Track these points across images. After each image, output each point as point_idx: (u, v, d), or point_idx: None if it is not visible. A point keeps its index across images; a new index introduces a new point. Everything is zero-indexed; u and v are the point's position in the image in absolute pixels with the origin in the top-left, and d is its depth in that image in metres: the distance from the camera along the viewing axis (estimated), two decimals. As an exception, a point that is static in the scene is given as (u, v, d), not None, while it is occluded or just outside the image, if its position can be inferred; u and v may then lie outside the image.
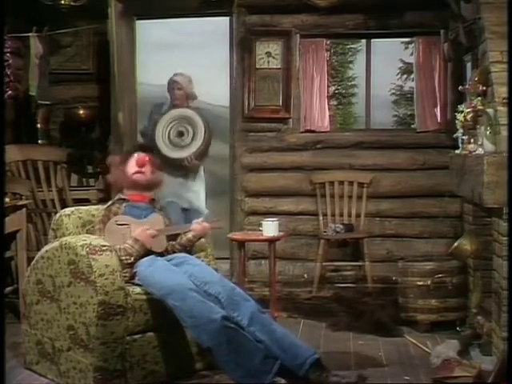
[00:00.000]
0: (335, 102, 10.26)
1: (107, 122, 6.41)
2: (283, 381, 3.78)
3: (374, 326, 5.02)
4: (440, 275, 5.07)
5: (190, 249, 4.38)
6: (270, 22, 6.34)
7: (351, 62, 10.44)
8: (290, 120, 6.35)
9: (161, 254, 4.22)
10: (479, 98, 4.43)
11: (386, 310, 5.25)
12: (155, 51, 8.62)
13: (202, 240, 4.49)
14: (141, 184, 4.36)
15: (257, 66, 6.35)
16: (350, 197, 6.21)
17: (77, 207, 4.55)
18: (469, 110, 4.49)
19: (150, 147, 4.75)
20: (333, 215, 6.21)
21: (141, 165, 4.37)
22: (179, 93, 5.73)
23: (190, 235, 4.35)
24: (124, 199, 4.35)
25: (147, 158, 4.41)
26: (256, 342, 3.74)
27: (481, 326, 4.50)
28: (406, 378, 4.06)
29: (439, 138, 6.14)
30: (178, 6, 6.29)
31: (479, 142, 4.33)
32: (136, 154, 4.43)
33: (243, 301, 3.89)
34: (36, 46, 6.04)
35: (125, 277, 3.98)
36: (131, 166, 4.39)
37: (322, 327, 5.15)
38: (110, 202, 4.38)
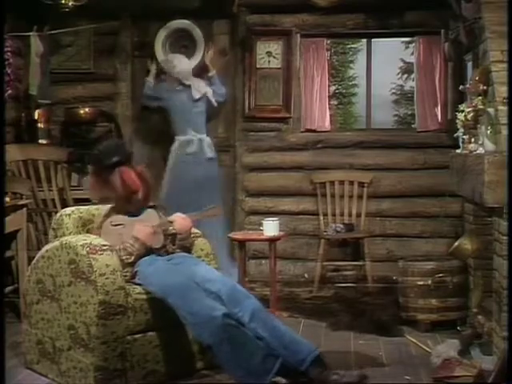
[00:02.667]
0: (336, 102, 10.26)
1: (108, 122, 6.43)
2: (284, 380, 3.78)
3: (375, 325, 5.02)
4: (440, 275, 5.06)
5: (188, 246, 4.36)
6: (271, 22, 6.35)
7: (352, 61, 10.44)
8: (291, 119, 6.36)
9: (161, 254, 4.21)
10: (480, 98, 4.43)
11: (386, 310, 5.25)
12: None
13: (203, 239, 4.49)
14: (137, 203, 4.26)
15: (257, 66, 6.36)
16: (351, 196, 6.21)
17: (77, 207, 4.55)
18: (469, 109, 4.49)
19: (128, 158, 4.35)
20: (333, 215, 6.21)
21: (134, 190, 4.20)
22: None
23: (178, 234, 4.29)
24: None
25: (137, 179, 4.21)
26: (257, 338, 3.74)
27: (481, 325, 4.50)
28: (407, 377, 4.05)
29: (440, 137, 6.14)
30: (177, 5, 6.30)
31: (480, 142, 4.33)
32: (120, 173, 4.17)
33: (244, 298, 3.89)
34: (37, 45, 6.03)
35: (125, 276, 3.97)
36: (120, 188, 4.18)
37: (323, 327, 5.14)
38: (110, 207, 4.34)
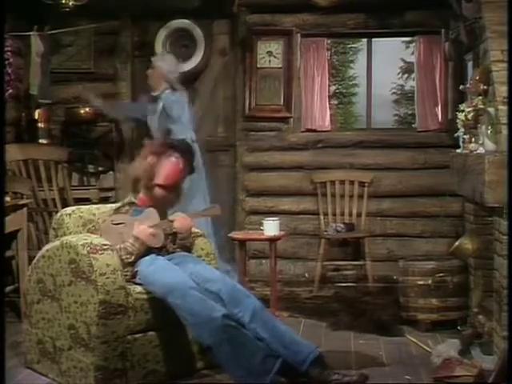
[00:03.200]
0: (336, 102, 10.24)
1: (108, 122, 6.44)
2: (284, 380, 3.78)
3: (375, 325, 5.02)
4: (441, 274, 5.07)
5: (188, 245, 4.36)
6: (271, 22, 6.35)
7: (352, 61, 10.43)
8: (291, 119, 6.36)
9: (161, 254, 4.21)
10: (480, 97, 4.43)
11: (386, 310, 5.24)
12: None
13: (203, 239, 4.49)
14: (158, 201, 4.23)
15: (258, 66, 6.36)
16: (351, 196, 6.21)
17: (78, 206, 4.55)
18: (470, 109, 4.49)
19: (190, 151, 4.36)
20: (334, 214, 6.21)
21: (172, 185, 4.19)
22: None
23: (178, 233, 4.26)
24: (134, 203, 4.26)
25: (180, 177, 4.22)
26: (257, 339, 3.74)
27: (482, 325, 4.50)
28: (407, 377, 4.05)
29: (440, 137, 6.14)
30: (177, 5, 6.30)
31: (480, 141, 4.33)
32: (171, 162, 4.16)
33: (245, 298, 3.89)
34: (37, 45, 6.04)
35: (126, 276, 3.97)
36: (159, 173, 4.15)
37: (323, 326, 5.15)
38: (119, 204, 4.32)
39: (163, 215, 4.24)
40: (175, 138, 4.80)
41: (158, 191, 4.18)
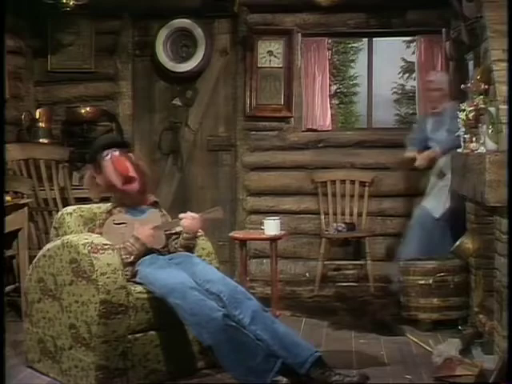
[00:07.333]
0: (337, 101, 10.25)
1: (109, 121, 6.43)
2: (285, 380, 3.77)
3: (376, 324, 5.02)
4: (442, 274, 5.06)
5: (192, 246, 4.35)
6: (272, 21, 6.35)
7: (353, 60, 10.43)
8: (292, 119, 6.36)
9: (162, 253, 4.21)
10: (481, 97, 4.42)
11: (387, 309, 5.25)
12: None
13: (204, 238, 4.49)
14: (134, 195, 4.24)
15: (258, 65, 6.36)
16: (352, 196, 6.21)
17: (78, 206, 4.55)
18: (471, 108, 4.48)
19: (121, 145, 4.38)
20: (334, 214, 6.21)
21: (126, 177, 4.19)
22: (436, 94, 5.65)
23: (184, 234, 4.28)
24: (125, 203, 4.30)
25: (130, 167, 4.21)
26: (257, 340, 3.74)
27: (483, 324, 4.49)
28: (408, 376, 4.05)
29: (441, 136, 6.12)
30: (178, 5, 6.30)
31: (481, 141, 4.32)
32: (109, 157, 4.20)
33: (245, 299, 3.88)
34: None
35: (126, 275, 3.97)
36: (113, 175, 4.18)
37: (324, 326, 5.14)
38: (110, 205, 4.32)
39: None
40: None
41: (128, 189, 4.20)
